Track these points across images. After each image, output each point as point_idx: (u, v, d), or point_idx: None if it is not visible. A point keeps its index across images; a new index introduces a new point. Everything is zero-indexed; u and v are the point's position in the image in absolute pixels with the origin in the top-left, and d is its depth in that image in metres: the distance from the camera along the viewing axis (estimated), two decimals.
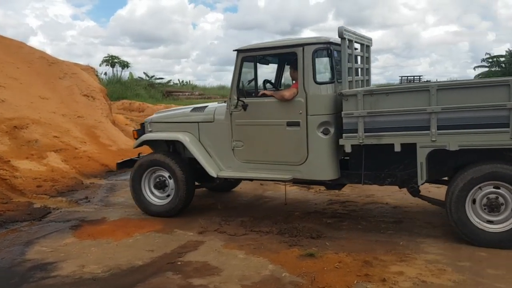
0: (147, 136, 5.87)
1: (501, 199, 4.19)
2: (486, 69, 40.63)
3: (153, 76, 36.97)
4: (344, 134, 4.55)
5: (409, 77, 35.46)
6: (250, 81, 5.19)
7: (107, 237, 4.94)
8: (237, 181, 6.65)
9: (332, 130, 4.72)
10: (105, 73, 31.13)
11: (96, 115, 10.12)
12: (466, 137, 4.09)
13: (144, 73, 36.86)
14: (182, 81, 41.73)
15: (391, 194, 6.42)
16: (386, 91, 4.46)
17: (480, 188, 4.25)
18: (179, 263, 4.21)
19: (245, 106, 5.04)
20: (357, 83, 5.31)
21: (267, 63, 5.71)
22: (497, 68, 40.09)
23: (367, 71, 5.78)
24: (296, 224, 5.13)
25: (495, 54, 41.23)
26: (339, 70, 4.83)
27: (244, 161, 5.24)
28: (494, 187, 4.21)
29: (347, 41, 4.63)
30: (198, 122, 5.55)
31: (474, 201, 4.29)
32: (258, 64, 5.32)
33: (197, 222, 5.33)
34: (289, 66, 5.37)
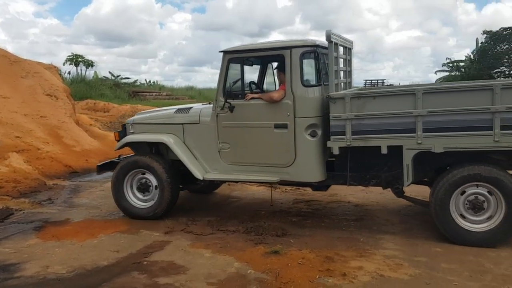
0: (130, 138, 5.76)
1: (483, 199, 4.33)
2: (447, 73, 42.24)
3: (119, 75, 36.20)
4: (332, 136, 4.61)
5: (372, 81, 36.21)
6: (235, 82, 5.16)
7: (71, 238, 4.89)
8: (219, 183, 6.64)
9: (319, 132, 4.77)
10: (69, 72, 30.29)
11: (59, 115, 9.91)
12: (451, 140, 4.23)
13: (110, 72, 36.09)
14: (149, 81, 41.08)
15: (354, 193, 6.62)
16: (373, 94, 4.57)
17: (464, 189, 4.37)
18: (145, 263, 4.23)
19: (231, 108, 5.03)
20: (340, 86, 5.39)
21: (251, 64, 5.68)
22: (457, 73, 41.68)
23: (349, 74, 5.89)
24: (262, 222, 5.22)
25: (456, 59, 42.85)
26: (325, 73, 4.94)
27: (230, 163, 5.22)
28: (476, 188, 4.34)
29: (334, 44, 4.74)
30: (183, 124, 5.48)
31: (457, 202, 4.42)
32: (251, 65, 5.39)
33: (163, 222, 5.35)
34: (272, 68, 5.40)
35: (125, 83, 34.97)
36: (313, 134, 4.78)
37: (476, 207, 4.36)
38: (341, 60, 5.40)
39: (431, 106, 4.24)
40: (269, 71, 5.99)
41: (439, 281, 3.66)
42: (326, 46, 4.78)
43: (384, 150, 4.46)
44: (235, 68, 5.18)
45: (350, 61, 5.86)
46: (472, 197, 4.36)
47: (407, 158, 4.40)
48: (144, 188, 5.58)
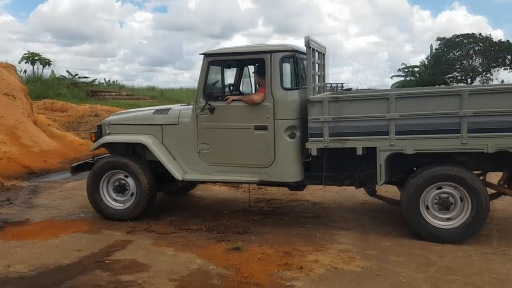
0: (107, 139, 5.71)
1: (451, 198, 4.60)
2: (402, 78, 43.82)
3: (77, 74, 35.27)
4: (310, 138, 4.78)
5: (332, 85, 37.14)
6: (213, 84, 5.26)
7: (32, 238, 4.88)
8: (194, 183, 6.68)
9: (298, 134, 4.93)
10: (25, 71, 29.25)
11: (16, 115, 9.67)
12: (421, 142, 4.49)
13: (67, 71, 35.06)
14: (109, 81, 40.26)
15: (312, 192, 6.87)
16: (350, 98, 4.79)
17: (432, 188, 4.61)
18: (107, 261, 4.29)
19: (212, 110, 5.11)
20: (316, 90, 5.60)
21: (229, 67, 5.78)
22: (412, 78, 43.35)
23: (323, 78, 6.12)
24: (224, 221, 5.36)
25: (412, 64, 44.52)
26: (303, 77, 5.11)
27: (210, 163, 5.28)
28: (445, 187, 4.59)
29: (312, 50, 4.93)
30: (161, 125, 5.49)
31: (427, 201, 4.65)
32: (231, 68, 5.49)
33: (125, 222, 5.39)
34: (248, 71, 5.51)
35: (83, 83, 34.07)
36: (292, 136, 4.95)
37: (444, 205, 4.61)
38: (316, 65, 5.60)
39: (403, 110, 4.50)
40: (245, 74, 6.11)
41: (388, 272, 3.94)
42: (304, 51, 4.99)
43: (359, 152, 4.67)
44: (215, 71, 5.30)
45: (324, 66, 6.11)
46: (440, 196, 4.63)
47: (381, 159, 4.63)
48: (121, 189, 5.56)
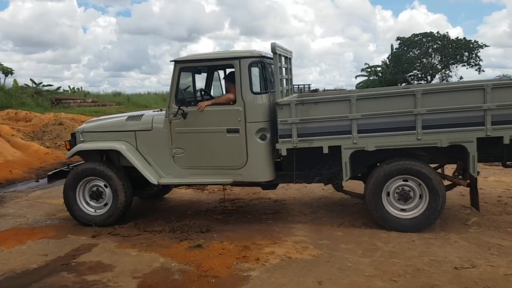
0: (81, 147, 5.80)
1: (411, 192, 4.93)
2: (366, 78, 44.97)
3: (41, 83, 34.65)
4: (280, 139, 5.03)
5: (299, 86, 37.75)
6: (185, 90, 5.46)
7: None
8: (168, 188, 6.85)
9: (268, 135, 5.17)
10: None
11: None
12: (381, 139, 4.83)
13: (31, 79, 34.43)
14: (73, 88, 39.66)
15: (275, 191, 7.12)
16: (315, 100, 5.06)
17: (391, 181, 4.94)
18: (73, 263, 4.46)
19: (184, 115, 5.28)
20: (285, 94, 5.85)
21: (199, 72, 5.94)
22: (375, 77, 44.54)
23: (290, 81, 6.41)
24: (187, 221, 5.57)
25: (376, 64, 45.74)
26: (271, 81, 5.34)
27: (185, 167, 5.44)
28: (404, 180, 4.94)
29: (278, 55, 5.20)
30: (135, 131, 5.63)
31: (388, 193, 5.00)
32: (202, 73, 5.66)
33: (91, 227, 5.54)
34: (219, 75, 5.68)
35: (48, 91, 33.50)
36: (263, 138, 5.19)
37: (404, 197, 4.96)
38: (283, 69, 5.88)
39: (364, 110, 4.82)
40: (215, 78, 6.32)
41: (337, 258, 4.28)
42: (271, 56, 5.27)
43: (325, 150, 4.97)
44: (186, 76, 5.49)
45: (290, 69, 6.43)
46: (400, 188, 4.97)
47: (345, 156, 4.95)
48: (97, 195, 5.67)
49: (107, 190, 5.64)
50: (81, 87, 40.34)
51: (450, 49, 39.90)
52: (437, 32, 40.65)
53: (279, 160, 5.46)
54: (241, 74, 5.15)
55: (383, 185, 4.98)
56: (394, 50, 42.42)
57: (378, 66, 45.19)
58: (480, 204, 5.86)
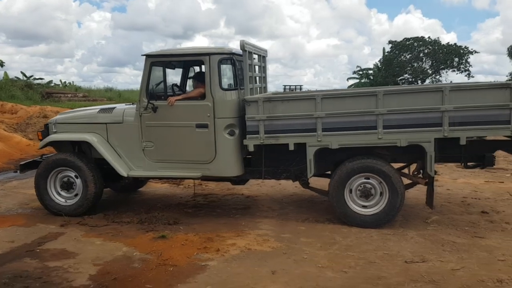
0: (53, 137, 5.88)
1: (373, 190, 5.07)
2: (357, 80, 45.25)
3: (32, 76, 34.51)
4: (247, 135, 5.12)
5: (291, 86, 37.93)
6: (158, 84, 5.55)
7: None
8: (142, 181, 6.93)
9: (237, 131, 5.26)
10: None
11: None
12: (344, 138, 4.95)
13: (22, 72, 34.25)
14: (65, 82, 39.52)
15: (249, 187, 7.28)
16: (282, 98, 5.19)
17: (355, 178, 5.07)
18: (38, 250, 4.55)
19: (155, 109, 5.34)
20: (256, 90, 5.98)
21: (173, 67, 6.04)
22: (366, 80, 44.82)
23: (264, 79, 6.52)
24: (156, 213, 5.69)
25: (370, 66, 46.00)
26: (241, 78, 5.45)
27: (154, 160, 5.53)
28: (366, 178, 5.09)
29: (248, 53, 5.29)
30: (106, 123, 5.69)
31: (351, 190, 5.13)
32: (173, 68, 5.72)
33: (60, 217, 5.62)
34: (194, 72, 5.72)
35: (38, 84, 33.34)
36: (231, 133, 5.29)
37: (365, 194, 5.09)
38: (256, 67, 6.00)
39: (328, 109, 4.94)
40: (191, 74, 6.37)
41: (294, 251, 4.41)
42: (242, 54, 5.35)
43: (291, 147, 5.07)
44: (157, 71, 5.58)
45: (265, 67, 6.53)
46: (362, 186, 5.10)
47: (310, 153, 5.06)
48: (67, 185, 5.75)
49: (78, 181, 5.72)
50: (73, 82, 40.11)
51: (441, 54, 40.31)
52: (428, 37, 41.07)
53: (249, 156, 5.58)
54: (211, 70, 5.24)
55: (345, 182, 5.11)
56: (386, 53, 42.76)
57: (370, 69, 45.51)
58: (444, 204, 6.08)
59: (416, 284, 3.65)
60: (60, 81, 39.25)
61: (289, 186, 7.15)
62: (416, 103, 4.79)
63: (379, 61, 43.98)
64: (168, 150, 5.50)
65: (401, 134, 4.84)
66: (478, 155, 5.11)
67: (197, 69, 6.24)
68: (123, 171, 5.58)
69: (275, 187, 7.28)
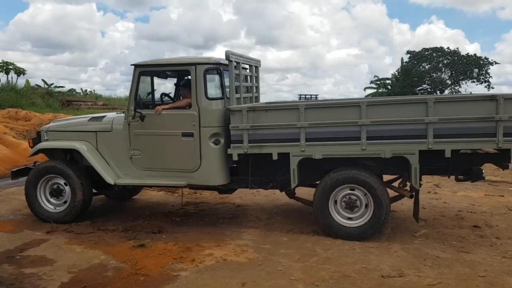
0: (42, 145, 5.98)
1: (357, 200, 4.98)
2: (375, 90, 44.85)
3: (52, 84, 35.42)
4: (231, 144, 5.12)
5: (306, 96, 37.87)
6: (148, 94, 5.63)
7: None
8: (136, 189, 7.00)
9: (222, 140, 5.27)
10: None
11: None
12: (328, 148, 4.89)
13: (43, 80, 35.18)
14: (85, 90, 40.40)
15: (243, 196, 7.24)
16: (265, 108, 5.16)
17: (340, 189, 4.99)
18: (18, 257, 4.59)
19: (142, 117, 5.39)
20: (246, 100, 6.00)
21: (165, 77, 6.11)
22: (384, 89, 44.39)
23: (257, 89, 6.54)
24: (141, 222, 5.69)
25: (389, 76, 45.58)
26: (228, 88, 5.45)
27: (142, 168, 5.57)
28: (351, 189, 5.01)
29: (234, 63, 5.32)
30: (96, 132, 5.77)
31: (336, 201, 5.05)
32: (157, 78, 5.79)
33: (49, 223, 5.66)
34: (181, 84, 5.78)
35: (59, 92, 34.16)
36: (216, 142, 5.29)
37: (350, 206, 5.01)
38: (245, 77, 6.01)
39: (311, 120, 4.89)
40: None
41: (271, 262, 4.33)
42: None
43: (275, 157, 5.03)
44: (145, 81, 5.64)
45: (257, 77, 6.56)
46: (347, 197, 5.01)
47: (293, 163, 5.01)
48: (57, 192, 5.82)
49: (67, 188, 5.78)
50: (94, 90, 40.97)
51: (460, 65, 39.70)
52: (447, 48, 40.53)
53: (236, 166, 5.54)
54: (197, 80, 5.26)
55: (330, 193, 5.02)
56: (404, 63, 42.31)
57: (388, 78, 45.09)
58: (437, 217, 5.94)
59: None
60: (81, 89, 40.14)
61: (283, 196, 6.93)
62: (400, 114, 4.69)
63: (397, 71, 43.61)
64: (155, 158, 5.52)
65: (385, 146, 4.74)
66: (465, 168, 4.95)
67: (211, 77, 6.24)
68: (110, 179, 5.61)
69: (269, 196, 7.20)
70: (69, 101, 31.17)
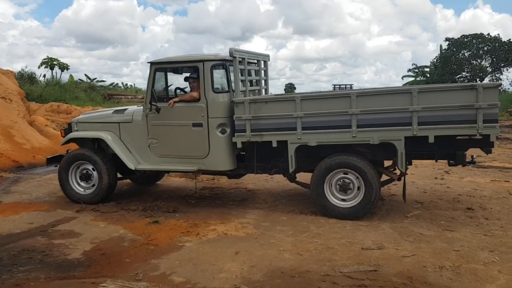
0: (72, 135, 6.75)
1: (351, 184, 5.41)
2: (413, 78, 43.99)
3: (95, 78, 37.23)
4: (235, 133, 5.67)
5: (341, 85, 37.78)
6: (165, 88, 6.33)
7: None
8: (158, 175, 7.75)
9: (228, 130, 5.81)
10: (44, 75, 31.11)
11: (12, 116, 10.89)
12: (322, 136, 5.36)
13: (85, 75, 37.02)
14: (126, 84, 42.09)
15: (255, 182, 7.79)
16: (266, 100, 5.68)
17: (334, 173, 5.44)
18: (50, 231, 5.31)
19: (158, 109, 6.03)
20: (255, 93, 6.56)
21: (181, 73, 6.68)
22: (422, 78, 43.48)
23: (265, 82, 7.09)
24: (159, 203, 6.34)
25: (427, 64, 44.57)
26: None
27: (158, 155, 6.22)
28: (344, 173, 5.45)
29: (239, 59, 5.86)
30: (119, 123, 6.45)
31: (331, 184, 5.52)
32: (173, 73, 6.43)
33: (79, 204, 6.40)
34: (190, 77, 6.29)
35: (101, 86, 35.84)
36: (223, 132, 5.85)
37: (343, 188, 5.45)
38: (252, 71, 6.55)
39: (307, 110, 5.36)
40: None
41: (265, 237, 4.85)
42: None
43: (274, 144, 5.54)
44: (160, 76, 6.28)
45: (266, 71, 7.09)
46: (341, 180, 5.46)
47: (291, 150, 5.51)
48: (86, 177, 6.57)
49: (95, 173, 6.50)
50: (134, 84, 42.64)
51: (501, 51, 38.33)
52: (488, 34, 39.19)
53: (243, 153, 6.10)
54: (204, 75, 5.82)
55: (325, 177, 5.47)
56: (443, 51, 41.28)
57: (427, 66, 44.12)
58: (434, 200, 6.27)
59: (359, 266, 3.97)
60: (122, 83, 41.82)
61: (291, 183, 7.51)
62: (387, 103, 5.06)
63: (435, 58, 42.57)
64: (169, 146, 6.14)
65: (374, 133, 5.13)
66: (450, 153, 5.26)
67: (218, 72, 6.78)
68: (131, 165, 6.28)
69: (280, 182, 7.68)
70: (111, 95, 32.62)
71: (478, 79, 39.24)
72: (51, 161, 7.05)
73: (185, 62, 6.25)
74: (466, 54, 40.28)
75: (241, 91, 5.95)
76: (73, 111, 17.66)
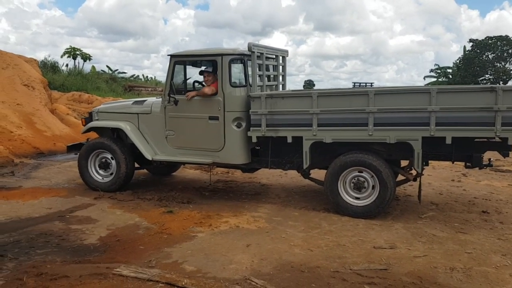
0: (93, 124, 6.93)
1: (365, 181, 5.41)
2: (435, 79, 43.40)
3: (116, 70, 37.72)
4: (251, 128, 5.70)
5: (361, 83, 37.66)
6: (184, 81, 6.37)
7: (17, 199, 6.11)
8: (175, 166, 7.87)
9: (243, 124, 5.87)
10: (67, 65, 31.62)
11: (34, 104, 11.14)
12: (337, 133, 5.36)
13: (107, 66, 37.50)
14: (147, 77, 42.55)
15: (270, 177, 7.83)
16: (282, 95, 5.71)
17: (349, 171, 5.42)
18: (67, 216, 5.45)
19: (176, 102, 6.11)
20: (272, 88, 6.60)
21: (199, 66, 6.71)
22: (444, 79, 42.86)
23: (283, 77, 7.13)
24: (174, 193, 6.43)
25: (450, 65, 43.93)
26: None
27: (175, 147, 6.31)
28: (359, 172, 5.45)
29: (257, 54, 5.89)
30: (138, 113, 6.56)
31: (345, 182, 5.52)
32: (192, 67, 6.49)
33: (97, 191, 6.54)
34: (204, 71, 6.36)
35: (122, 78, 36.29)
36: (238, 125, 5.91)
37: (358, 186, 5.45)
38: (270, 66, 6.58)
39: (323, 106, 5.37)
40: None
41: (277, 231, 4.89)
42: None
43: (289, 140, 5.57)
44: (179, 69, 6.35)
45: (284, 67, 7.12)
46: (356, 178, 5.46)
47: (306, 146, 5.53)
48: (104, 165, 6.73)
49: (113, 162, 6.63)
50: (154, 76, 43.07)
51: None
52: None
53: (258, 148, 6.14)
54: (222, 69, 5.86)
55: (339, 174, 5.47)
56: (466, 52, 40.58)
57: (449, 67, 43.48)
58: (450, 202, 6.21)
59: (369, 265, 3.98)
60: (143, 75, 42.28)
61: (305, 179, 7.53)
62: (405, 103, 5.03)
63: (458, 59, 41.89)
64: (186, 139, 6.22)
65: (390, 132, 5.11)
66: (467, 155, 5.21)
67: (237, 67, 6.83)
68: (149, 155, 6.38)
69: (294, 178, 7.70)
70: (131, 86, 32.97)
71: (501, 82, 38.51)
72: (71, 148, 7.20)
73: (204, 56, 6.30)
74: (490, 56, 39.64)
75: (258, 86, 5.98)
76: (94, 101, 17.96)
